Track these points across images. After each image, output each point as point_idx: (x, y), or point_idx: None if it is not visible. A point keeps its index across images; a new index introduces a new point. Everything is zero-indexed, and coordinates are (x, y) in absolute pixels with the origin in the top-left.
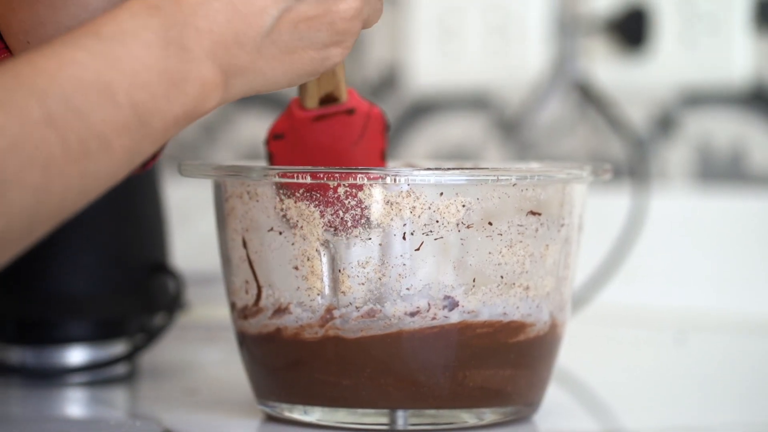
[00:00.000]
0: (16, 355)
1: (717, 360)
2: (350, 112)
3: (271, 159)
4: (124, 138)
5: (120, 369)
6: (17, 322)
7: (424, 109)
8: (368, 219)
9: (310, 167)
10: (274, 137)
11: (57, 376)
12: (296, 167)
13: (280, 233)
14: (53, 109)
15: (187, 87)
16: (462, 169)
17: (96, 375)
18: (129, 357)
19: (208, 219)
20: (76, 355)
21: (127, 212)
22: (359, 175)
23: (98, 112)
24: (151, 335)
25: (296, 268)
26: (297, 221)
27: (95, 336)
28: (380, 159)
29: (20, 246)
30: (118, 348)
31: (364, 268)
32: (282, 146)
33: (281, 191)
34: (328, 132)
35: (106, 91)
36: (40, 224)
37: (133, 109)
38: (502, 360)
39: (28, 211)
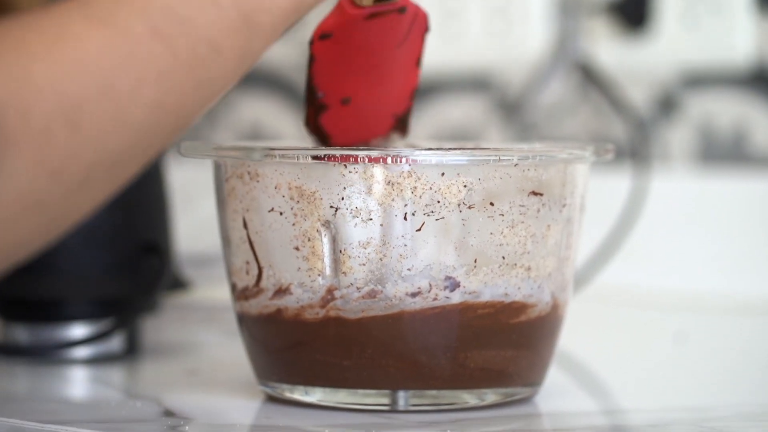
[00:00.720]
0: (12, 333)
1: (717, 341)
2: (402, 10)
3: (312, 62)
4: (232, 39)
5: (117, 346)
6: (12, 301)
7: (424, 91)
8: (369, 199)
9: (309, 148)
10: (321, 37)
11: (50, 353)
12: (295, 148)
13: (281, 213)
14: (157, 21)
15: None
16: (463, 149)
17: (94, 353)
18: (114, 330)
19: (211, 200)
20: (73, 334)
21: (126, 193)
22: (360, 156)
23: (202, 17)
24: (136, 311)
25: (297, 248)
26: (298, 201)
27: (92, 315)
28: (417, 66)
29: (141, 164)
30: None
31: (365, 248)
32: (327, 48)
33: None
34: (377, 31)
35: None
36: (159, 140)
37: (237, 8)
38: (504, 341)
39: (146, 128)
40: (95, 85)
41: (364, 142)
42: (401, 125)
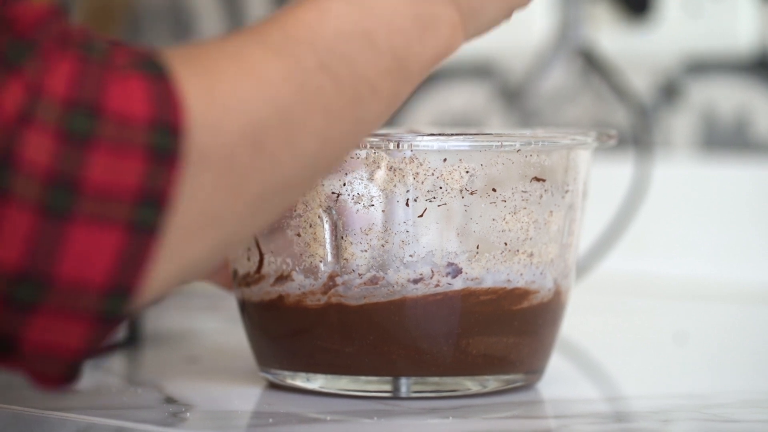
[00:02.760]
0: None
1: (720, 328)
2: None
3: None
4: (388, 82)
5: (118, 333)
6: None
7: (427, 78)
8: (371, 185)
9: None
10: None
11: None
12: None
13: None
14: (323, 57)
15: (439, 30)
16: (466, 134)
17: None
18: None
19: None
20: None
21: None
22: (362, 141)
23: (363, 58)
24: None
25: (298, 234)
26: None
27: None
28: None
29: (300, 193)
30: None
31: (366, 234)
32: None
33: None
34: None
35: (366, 38)
36: (319, 173)
37: (393, 54)
38: (506, 327)
39: (312, 158)
40: (275, 110)
41: None
42: None
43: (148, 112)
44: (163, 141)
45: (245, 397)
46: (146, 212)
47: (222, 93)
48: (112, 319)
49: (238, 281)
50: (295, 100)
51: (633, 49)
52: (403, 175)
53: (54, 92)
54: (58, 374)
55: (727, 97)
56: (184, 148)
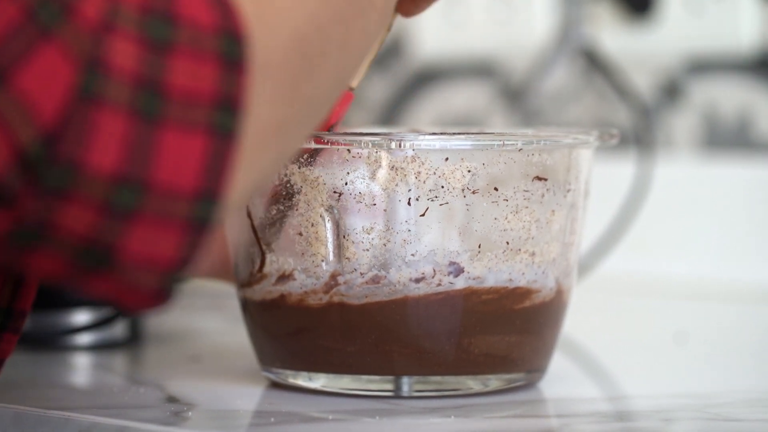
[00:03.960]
0: None
1: (721, 328)
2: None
3: None
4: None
5: (120, 333)
6: None
7: (429, 78)
8: (373, 184)
9: (315, 132)
10: None
11: (53, 340)
12: None
13: (284, 199)
14: None
15: None
16: (468, 134)
17: (97, 340)
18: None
19: None
20: (76, 321)
21: None
22: (364, 140)
23: None
24: None
25: (300, 234)
26: (301, 187)
27: (95, 301)
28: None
29: (331, 104)
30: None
31: (368, 234)
32: None
33: None
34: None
35: None
36: (343, 83)
37: None
38: (508, 326)
39: (338, 67)
40: (311, 20)
41: None
42: None
43: (214, 20)
44: (231, 48)
45: (247, 396)
46: (224, 117)
47: (268, 5)
48: (202, 227)
49: (240, 281)
50: (322, 12)
51: (635, 49)
52: (405, 175)
53: (130, 0)
54: (152, 288)
55: (729, 96)
56: (249, 55)
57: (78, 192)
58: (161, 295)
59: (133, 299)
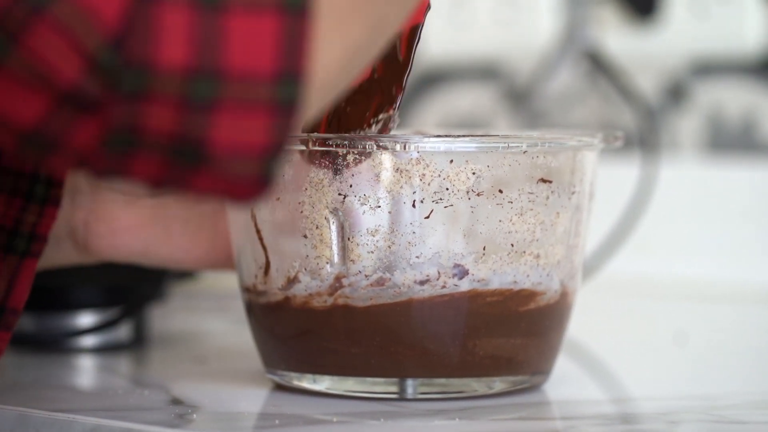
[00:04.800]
0: (22, 321)
1: (726, 330)
2: None
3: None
4: None
5: (124, 335)
6: None
7: (433, 79)
8: (377, 186)
9: (317, 135)
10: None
11: (57, 342)
12: (302, 135)
13: (289, 201)
14: None
15: None
16: (472, 136)
17: (102, 342)
18: (122, 319)
19: None
20: (83, 322)
21: None
22: (369, 143)
23: None
24: (144, 300)
25: (305, 236)
26: (306, 188)
27: (99, 303)
28: None
29: (356, 73)
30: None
31: (373, 236)
32: None
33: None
34: None
35: None
36: (374, 50)
37: None
38: (513, 328)
39: (371, 27)
40: None
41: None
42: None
43: None
44: None
45: (252, 398)
46: None
47: None
48: (289, 108)
49: (244, 284)
50: None
51: (639, 51)
52: (410, 177)
53: None
54: (253, 176)
55: (734, 98)
56: None
57: (155, 91)
58: (264, 181)
59: (237, 191)
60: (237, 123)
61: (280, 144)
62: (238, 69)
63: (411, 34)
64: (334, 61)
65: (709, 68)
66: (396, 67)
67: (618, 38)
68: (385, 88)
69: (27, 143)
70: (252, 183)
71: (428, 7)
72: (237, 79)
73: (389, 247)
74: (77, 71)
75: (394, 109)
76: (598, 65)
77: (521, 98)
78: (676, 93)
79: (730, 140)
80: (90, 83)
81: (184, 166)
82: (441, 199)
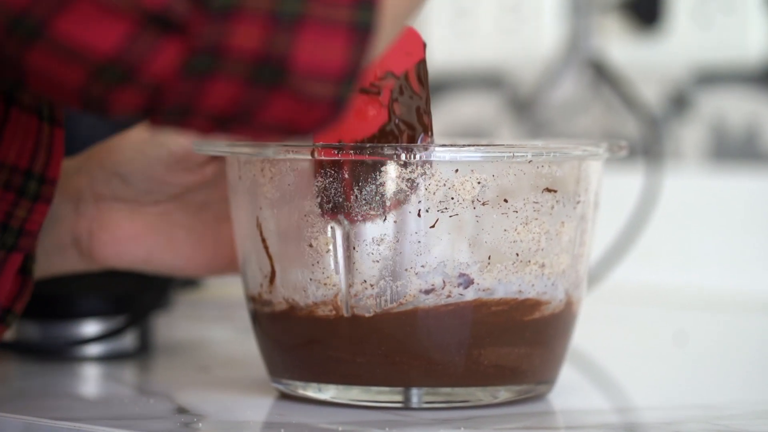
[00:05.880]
0: (25, 331)
1: (730, 339)
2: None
3: None
4: None
5: (129, 344)
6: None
7: (437, 88)
8: (383, 196)
9: (322, 143)
10: None
11: (62, 350)
12: (309, 143)
13: (294, 210)
14: None
15: None
16: (477, 145)
17: (107, 350)
18: (127, 327)
19: None
20: (88, 331)
21: None
22: (374, 152)
23: None
24: (149, 308)
25: (310, 245)
26: (312, 197)
27: (104, 312)
28: None
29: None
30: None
31: (378, 245)
32: None
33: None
34: None
35: None
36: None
37: None
38: (517, 338)
39: None
40: None
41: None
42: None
43: None
44: None
45: (257, 407)
46: None
47: None
48: (366, 31)
49: (249, 293)
50: None
51: (643, 60)
52: (415, 186)
53: None
54: (328, 97)
55: (737, 108)
56: None
57: (243, 9)
58: (337, 105)
59: (309, 115)
60: (319, 42)
61: (356, 67)
62: None
63: (417, 71)
64: None
65: (712, 77)
66: (413, 102)
67: (622, 47)
68: (409, 124)
69: (99, 75)
70: (326, 105)
71: (425, 45)
72: None
73: (394, 256)
74: None
75: (430, 136)
76: (602, 74)
77: (525, 107)
78: (679, 102)
79: (734, 149)
80: (179, 2)
81: (264, 85)
82: (446, 208)
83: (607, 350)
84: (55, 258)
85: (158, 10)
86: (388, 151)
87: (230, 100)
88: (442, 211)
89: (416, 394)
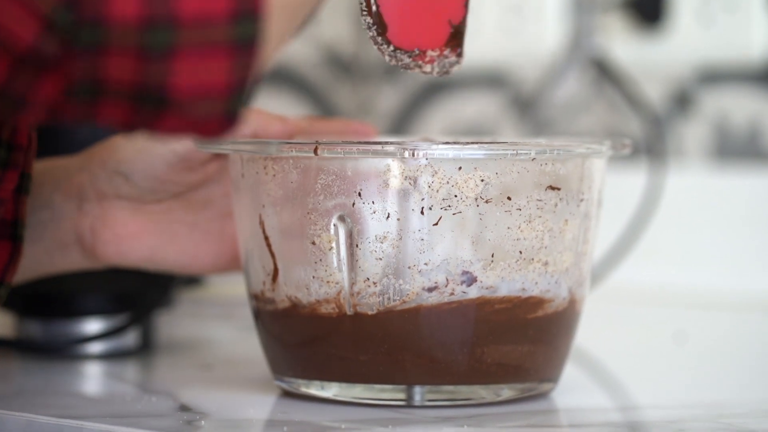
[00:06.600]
0: (27, 329)
1: (734, 338)
2: None
3: None
4: None
5: (131, 342)
6: (27, 297)
7: (440, 87)
8: (386, 193)
9: (328, 141)
10: None
11: (64, 348)
12: (312, 140)
13: (297, 208)
14: None
15: None
16: (481, 143)
17: (109, 348)
18: (129, 326)
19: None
20: (90, 329)
21: None
22: (377, 149)
23: None
24: (151, 307)
25: (313, 243)
26: (314, 195)
27: (107, 310)
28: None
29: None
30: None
31: (381, 243)
32: None
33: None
34: None
35: None
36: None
37: None
38: (521, 336)
39: None
40: None
41: (420, 49)
42: (456, 38)
43: None
44: None
45: (259, 405)
46: None
47: None
48: (248, 46)
49: (251, 291)
50: None
51: (646, 59)
52: (418, 184)
53: None
54: (219, 114)
55: (740, 106)
56: None
57: (112, 44)
58: (230, 119)
59: (204, 129)
60: (198, 66)
61: (243, 81)
62: (192, 14)
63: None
64: (284, 5)
65: (715, 76)
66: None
67: (624, 46)
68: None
69: (1, 100)
70: (218, 121)
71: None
72: (192, 24)
73: (397, 254)
74: (34, 34)
75: (459, 54)
76: (605, 73)
77: (528, 106)
78: (682, 101)
79: (736, 148)
80: (47, 43)
81: (149, 111)
82: (449, 206)
83: (611, 349)
84: (57, 256)
85: (28, 52)
86: (391, 148)
87: (123, 119)
88: (446, 209)
89: (419, 392)
